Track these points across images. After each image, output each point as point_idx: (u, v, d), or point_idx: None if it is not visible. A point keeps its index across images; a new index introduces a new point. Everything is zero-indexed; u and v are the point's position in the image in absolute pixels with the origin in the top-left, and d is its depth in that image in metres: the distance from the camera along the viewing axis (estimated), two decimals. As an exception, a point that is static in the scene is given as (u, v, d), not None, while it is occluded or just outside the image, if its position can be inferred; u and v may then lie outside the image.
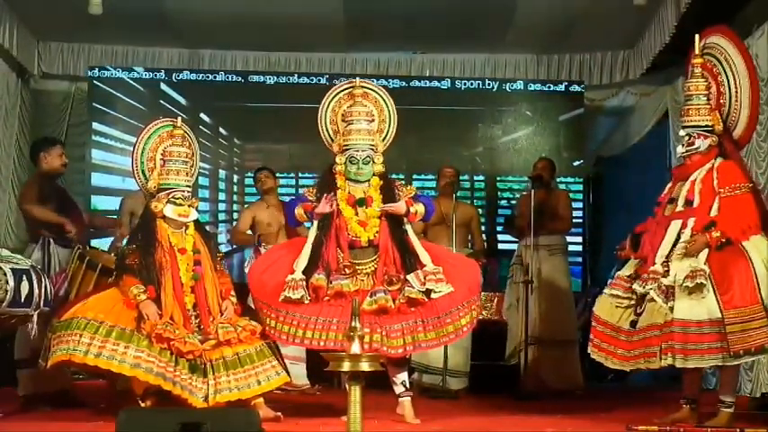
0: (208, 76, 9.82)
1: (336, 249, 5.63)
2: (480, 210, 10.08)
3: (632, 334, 5.32)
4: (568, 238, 8.17)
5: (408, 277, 5.53)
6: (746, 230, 5.22)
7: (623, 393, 7.73)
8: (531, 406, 6.43)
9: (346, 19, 9.04)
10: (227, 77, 9.86)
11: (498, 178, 10.10)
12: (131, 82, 9.71)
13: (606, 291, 5.54)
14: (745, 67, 5.46)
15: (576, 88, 9.87)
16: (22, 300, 5.16)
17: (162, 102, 9.71)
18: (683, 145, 5.50)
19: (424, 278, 5.52)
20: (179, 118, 5.97)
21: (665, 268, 5.26)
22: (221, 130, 10.00)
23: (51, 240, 6.36)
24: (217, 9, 8.78)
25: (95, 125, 9.65)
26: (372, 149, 5.77)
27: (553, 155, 9.13)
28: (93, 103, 9.65)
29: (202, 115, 9.87)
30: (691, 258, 5.20)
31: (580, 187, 9.89)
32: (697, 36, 5.64)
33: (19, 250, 5.84)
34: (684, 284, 5.11)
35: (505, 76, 9.98)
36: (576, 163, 9.91)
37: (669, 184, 5.62)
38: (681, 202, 5.40)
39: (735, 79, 5.47)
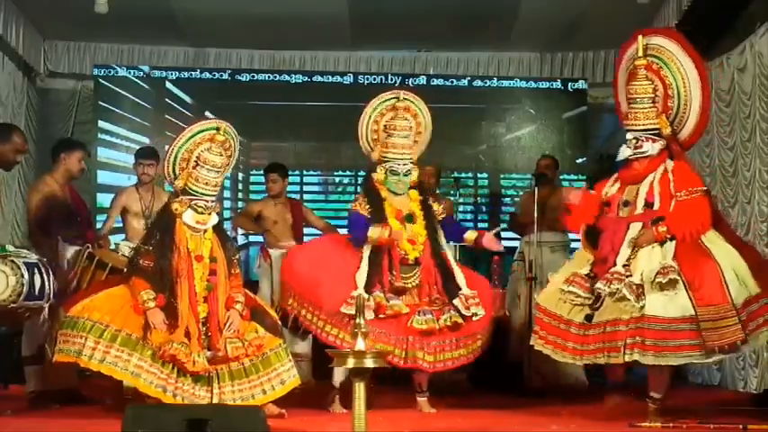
0: (213, 75, 9.86)
1: (389, 267, 5.89)
2: (484, 207, 10.14)
3: (587, 328, 5.31)
4: (572, 235, 8.19)
5: (455, 302, 5.87)
6: (693, 232, 5.27)
7: (626, 391, 7.74)
8: (536, 403, 6.46)
9: (351, 17, 9.07)
10: (233, 76, 9.90)
11: (502, 176, 10.13)
12: (137, 80, 9.76)
13: (562, 287, 5.47)
14: (696, 70, 5.49)
15: (579, 86, 9.91)
16: (36, 292, 5.24)
17: (167, 100, 9.77)
18: (629, 147, 5.48)
19: (467, 302, 5.88)
20: (224, 124, 5.60)
21: (627, 271, 5.27)
22: (226, 128, 10.02)
23: (60, 238, 6.39)
24: (222, 8, 8.82)
25: (101, 123, 9.70)
26: (411, 162, 6.04)
27: (557, 152, 9.16)
28: (99, 102, 9.71)
29: (207, 113, 9.87)
30: (657, 256, 5.25)
31: (583, 184, 9.90)
32: (640, 37, 5.59)
33: (26, 247, 5.88)
34: (657, 281, 5.13)
35: (509, 74, 10.02)
36: (579, 160, 9.94)
37: (616, 185, 5.58)
38: (640, 204, 5.42)
39: (684, 83, 5.49)
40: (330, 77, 9.83)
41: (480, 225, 10.06)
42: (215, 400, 5.17)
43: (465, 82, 9.96)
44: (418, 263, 5.94)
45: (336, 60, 10.07)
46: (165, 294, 5.31)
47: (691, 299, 5.11)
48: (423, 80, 9.94)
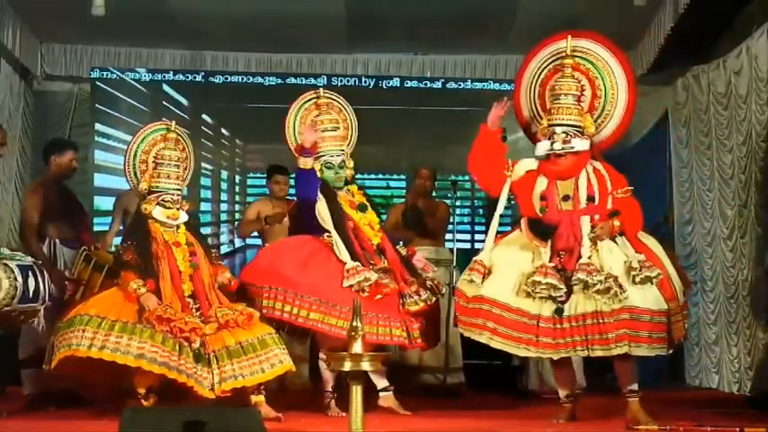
0: (210, 78, 9.86)
1: (363, 251, 5.87)
2: (481, 210, 10.13)
3: (557, 321, 5.19)
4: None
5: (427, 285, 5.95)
6: (639, 230, 5.38)
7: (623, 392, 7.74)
8: (533, 404, 6.46)
9: (348, 20, 9.07)
10: (229, 78, 9.89)
11: (500, 178, 10.10)
12: (134, 83, 9.75)
13: (536, 278, 5.19)
14: (623, 71, 5.57)
15: (576, 88, 9.90)
16: (30, 295, 5.26)
17: (164, 103, 9.76)
18: (555, 141, 5.40)
19: (434, 282, 6.04)
20: (173, 121, 6.07)
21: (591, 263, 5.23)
22: (223, 131, 10.04)
23: (57, 241, 6.40)
24: (219, 10, 8.82)
25: (98, 126, 9.69)
26: (344, 154, 6.11)
27: (554, 155, 9.16)
28: (96, 105, 9.69)
29: (204, 116, 9.92)
30: (616, 250, 5.25)
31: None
32: (569, 37, 5.62)
33: (23, 250, 5.89)
34: (645, 274, 5.14)
35: (506, 76, 10.01)
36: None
37: (542, 179, 5.47)
38: (583, 198, 5.36)
39: (612, 83, 5.55)
40: (327, 80, 9.82)
41: (477, 228, 10.06)
42: (216, 380, 5.29)
43: (462, 85, 9.96)
44: (381, 249, 5.97)
45: (333, 63, 10.06)
46: (154, 280, 5.48)
47: (661, 293, 5.16)
48: (421, 83, 9.95)
